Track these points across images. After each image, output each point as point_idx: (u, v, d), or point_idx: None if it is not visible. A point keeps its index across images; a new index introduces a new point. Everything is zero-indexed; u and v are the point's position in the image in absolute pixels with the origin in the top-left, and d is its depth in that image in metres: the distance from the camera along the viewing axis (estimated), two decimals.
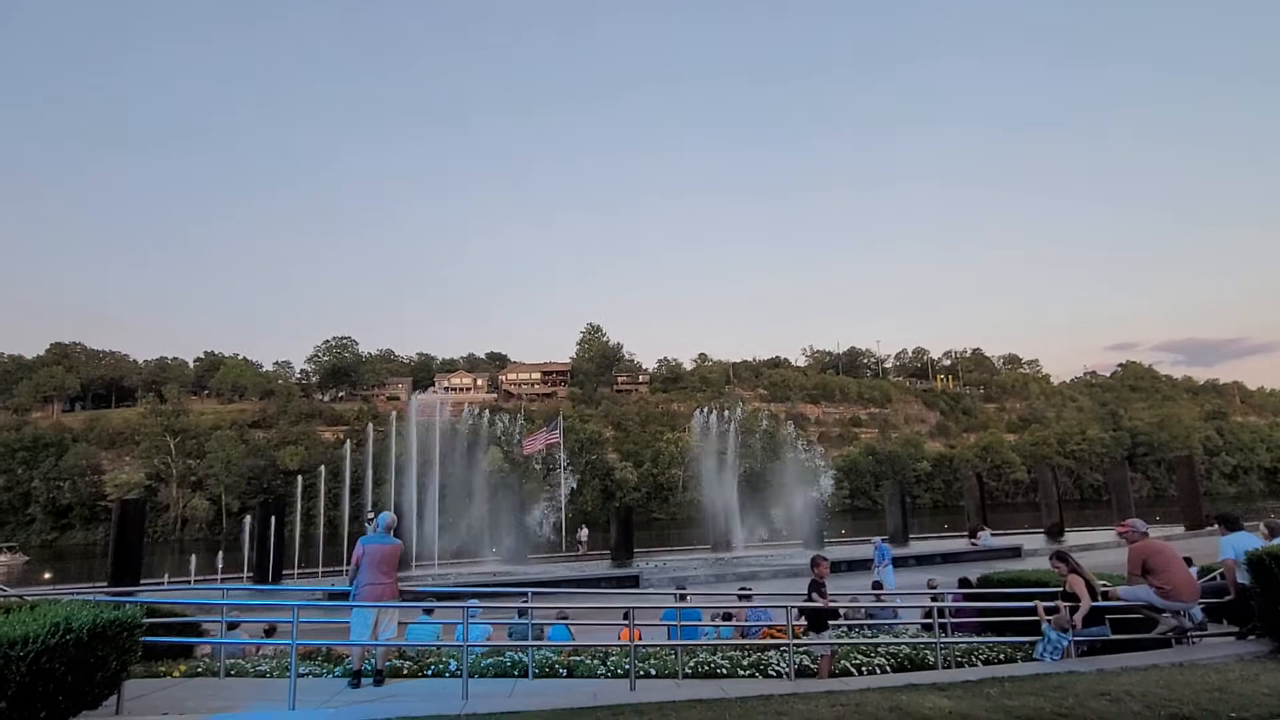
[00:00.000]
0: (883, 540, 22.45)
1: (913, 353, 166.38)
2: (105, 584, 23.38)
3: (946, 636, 9.97)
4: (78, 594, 8.77)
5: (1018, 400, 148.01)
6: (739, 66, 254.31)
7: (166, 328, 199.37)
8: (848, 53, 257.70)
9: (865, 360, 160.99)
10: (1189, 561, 10.45)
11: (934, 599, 10.43)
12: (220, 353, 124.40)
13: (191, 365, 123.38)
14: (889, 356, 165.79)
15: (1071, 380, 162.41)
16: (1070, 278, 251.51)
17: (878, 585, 15.42)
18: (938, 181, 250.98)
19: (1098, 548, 27.77)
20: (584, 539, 39.16)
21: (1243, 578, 9.13)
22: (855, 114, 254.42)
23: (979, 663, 9.55)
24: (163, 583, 29.17)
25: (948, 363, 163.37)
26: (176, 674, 9.08)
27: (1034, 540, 32.16)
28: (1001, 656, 9.73)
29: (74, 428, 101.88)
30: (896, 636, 10.89)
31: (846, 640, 10.18)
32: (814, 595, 9.06)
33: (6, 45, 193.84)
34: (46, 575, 43.16)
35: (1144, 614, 9.15)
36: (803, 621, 9.05)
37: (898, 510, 35.90)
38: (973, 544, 30.13)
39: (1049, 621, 8.75)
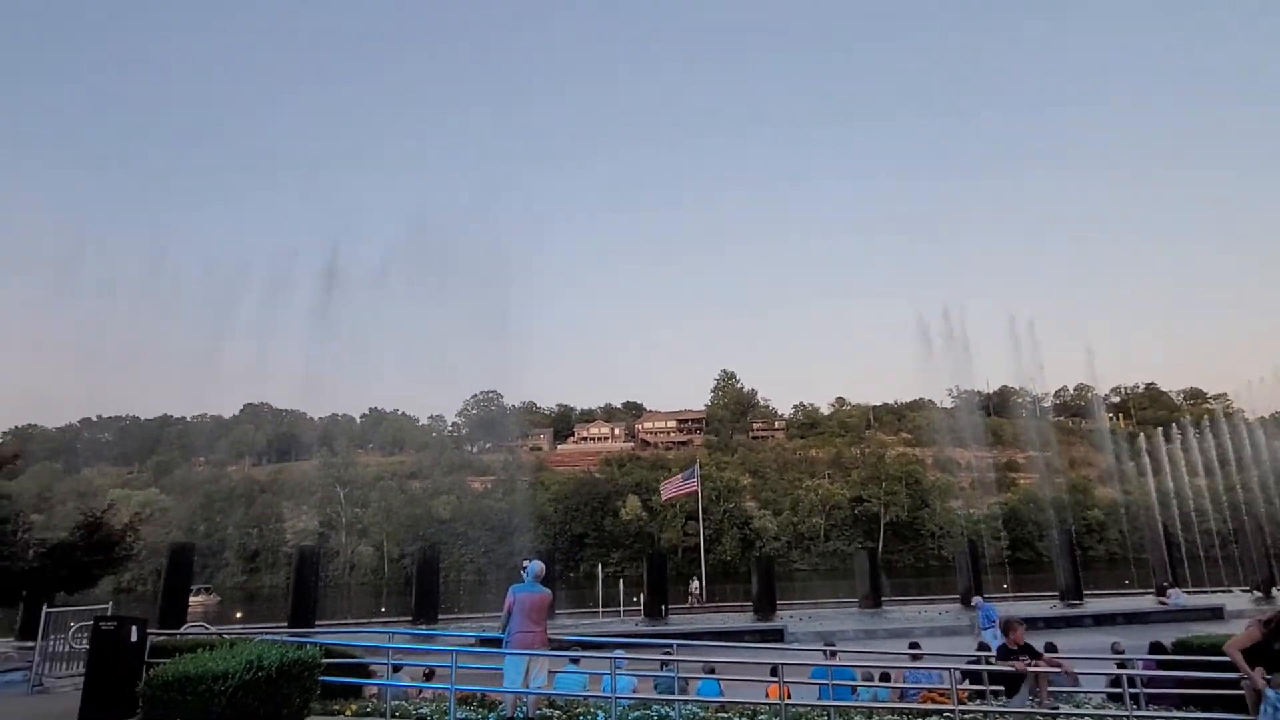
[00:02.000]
0: (986, 600, 20.54)
1: (1075, 390, 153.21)
2: (286, 624, 25.47)
3: (1140, 709, 8.95)
4: (265, 633, 9.62)
5: (1205, 440, 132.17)
6: (879, 99, 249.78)
7: (336, 387, 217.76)
8: (988, 78, 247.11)
9: (1019, 399, 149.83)
10: None
11: (1121, 665, 9.41)
12: (382, 409, 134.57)
13: (358, 420, 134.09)
14: (1047, 395, 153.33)
15: (1271, 415, 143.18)
16: (1264, 302, 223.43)
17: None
18: (1090, 205, 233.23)
19: None
20: (696, 591, 38.17)
21: None
22: (989, 153, 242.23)
23: None
24: (335, 624, 31.34)
25: (1117, 399, 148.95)
26: (348, 712, 9.68)
27: (1238, 600, 28.32)
28: None
29: (260, 480, 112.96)
30: (1078, 707, 9.84)
31: (1020, 709, 9.32)
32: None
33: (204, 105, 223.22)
34: (238, 615, 47.49)
35: None
36: (967, 685, 8.41)
37: (1067, 563, 32.68)
38: (1161, 603, 27.04)
39: (1268, 680, 7.34)
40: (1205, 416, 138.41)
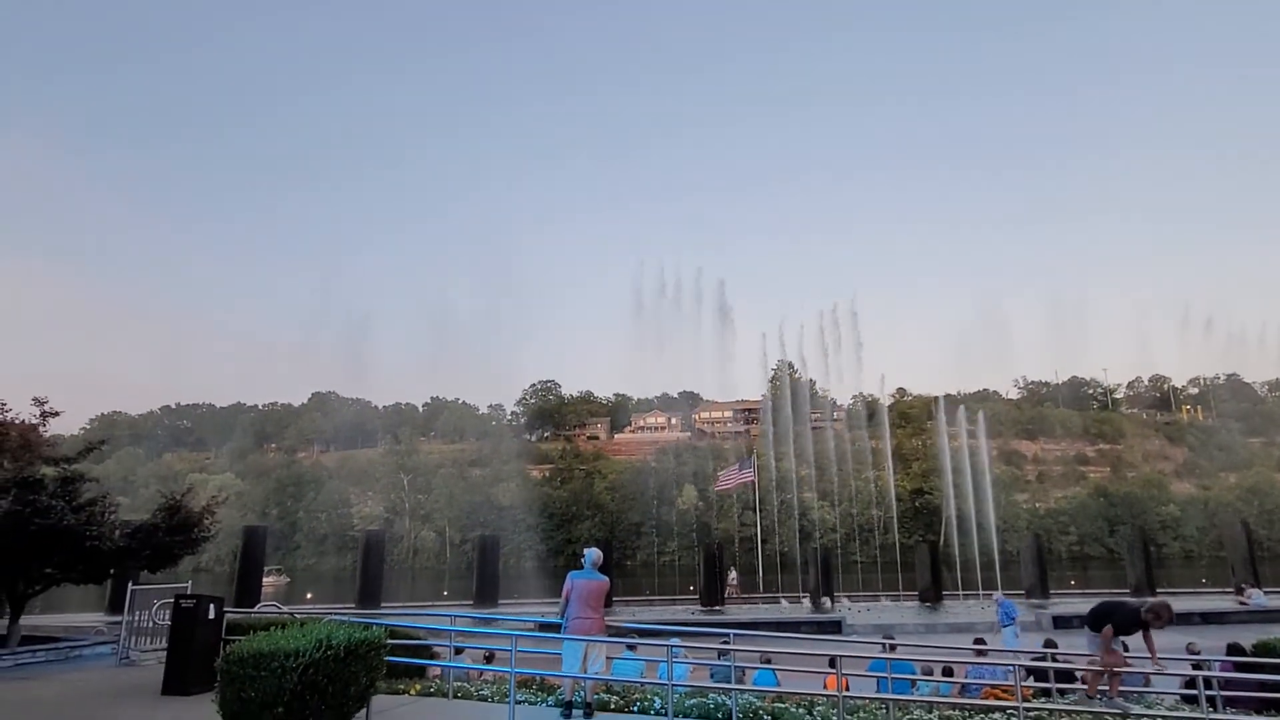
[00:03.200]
0: (1006, 597, 19.85)
1: (1149, 380, 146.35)
2: (353, 606, 26.44)
3: (1217, 713, 8.60)
4: (334, 614, 10.02)
5: None
6: (936, 84, 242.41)
7: (401, 376, 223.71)
8: (1033, 70, 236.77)
9: (1090, 390, 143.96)
10: None
11: (1196, 666, 9.04)
12: (444, 398, 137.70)
13: (421, 409, 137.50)
14: (1118, 386, 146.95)
15: None
16: None
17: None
18: (1166, 180, 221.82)
19: None
20: (734, 581, 37.44)
21: None
22: (1058, 136, 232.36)
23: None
24: (399, 606, 32.37)
25: (1194, 390, 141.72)
26: (413, 692, 10.03)
27: None
28: None
29: (329, 466, 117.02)
30: (1149, 708, 9.49)
31: (1086, 708, 9.06)
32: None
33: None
34: (308, 595, 49.43)
35: None
36: (1031, 682, 8.20)
37: (1139, 559, 31.46)
38: (1241, 603, 25.79)
39: None
40: None
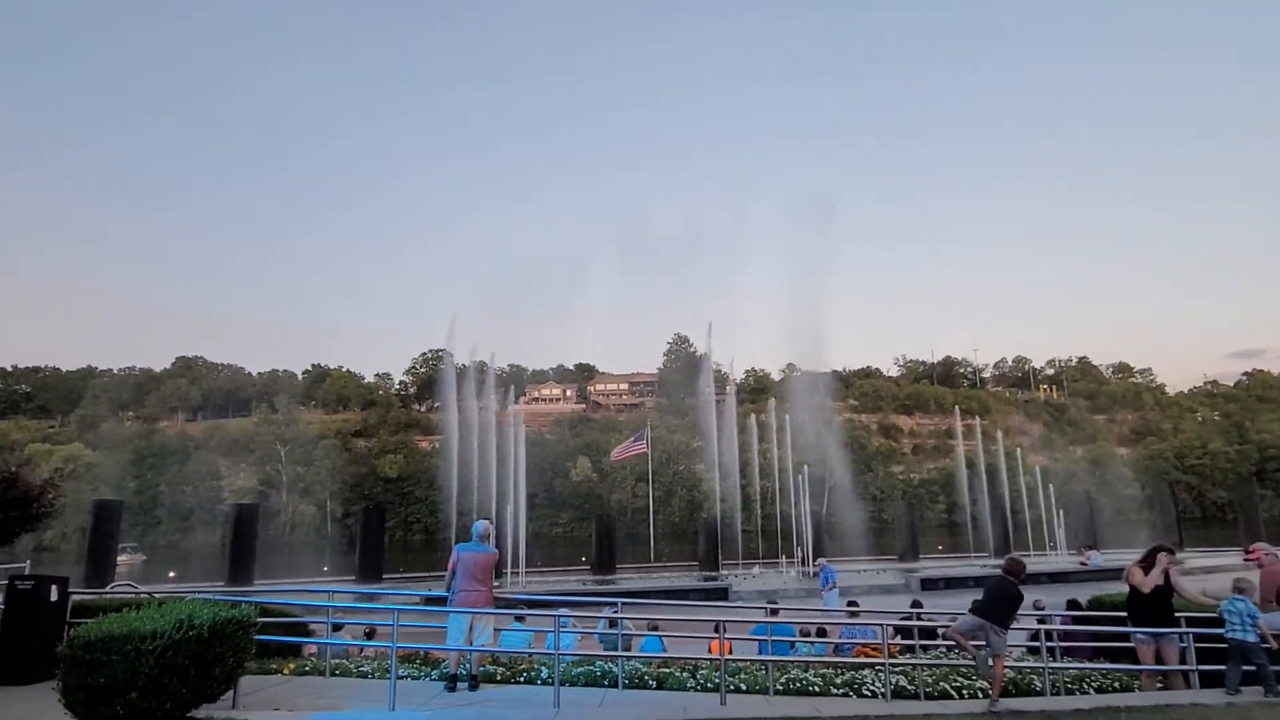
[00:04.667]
0: (828, 563, 21.43)
1: (1013, 361, 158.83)
2: (222, 584, 25.00)
3: (1055, 661, 9.44)
4: (199, 593, 9.39)
5: (1129, 412, 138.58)
6: (829, 63, 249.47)
7: (278, 341, 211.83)
8: (939, 46, 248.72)
9: (962, 369, 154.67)
10: None
11: (1041, 621, 9.89)
12: (326, 365, 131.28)
13: (300, 377, 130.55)
14: (987, 366, 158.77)
15: (1190, 390, 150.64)
16: (1186, 280, 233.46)
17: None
18: (1034, 181, 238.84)
19: (1224, 570, 25.60)
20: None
21: None
22: (954, 114, 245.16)
23: (1091, 690, 9.00)
24: (274, 583, 30.93)
25: (1051, 372, 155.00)
26: (286, 672, 9.59)
27: None
28: (1117, 685, 9.13)
29: (195, 436, 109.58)
30: None
31: (946, 661, 9.75)
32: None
33: (123, 51, 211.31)
34: (171, 574, 46.43)
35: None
36: (899, 640, 8.73)
37: (998, 526, 34.29)
38: (1082, 564, 28.53)
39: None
40: (1131, 391, 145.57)
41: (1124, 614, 9.36)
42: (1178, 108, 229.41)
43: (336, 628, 11.68)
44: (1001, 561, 9.02)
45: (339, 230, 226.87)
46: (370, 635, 12.52)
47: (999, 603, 8.08)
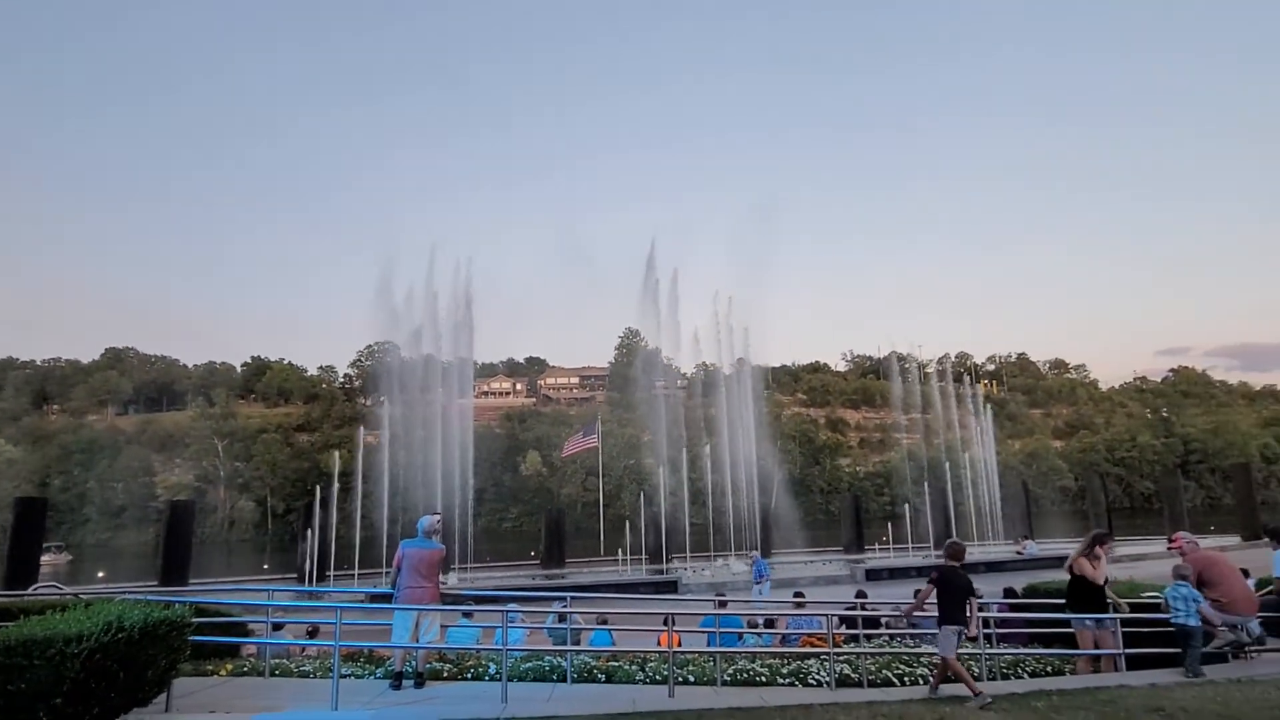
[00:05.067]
0: (759, 555, 22.01)
1: (955, 357, 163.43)
2: (156, 584, 24.09)
3: (992, 647, 9.74)
4: (129, 593, 9.03)
5: (1064, 406, 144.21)
6: (758, 57, 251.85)
7: (216, 332, 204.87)
8: (873, 45, 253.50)
9: (907, 364, 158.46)
10: (1245, 574, 10.06)
11: (978, 609, 10.20)
12: (267, 357, 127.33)
13: (239, 369, 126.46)
14: (931, 361, 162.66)
15: (1121, 386, 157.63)
16: (1118, 280, 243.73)
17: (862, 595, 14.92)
18: (979, 180, 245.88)
19: (1149, 558, 26.87)
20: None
21: None
22: (887, 108, 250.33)
23: (1025, 674, 9.32)
24: (211, 582, 29.97)
25: (991, 367, 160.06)
26: (223, 673, 9.28)
27: None
28: (1049, 669, 9.47)
29: (127, 430, 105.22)
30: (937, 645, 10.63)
31: (888, 650, 9.99)
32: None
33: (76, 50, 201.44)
34: (100, 574, 44.60)
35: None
36: (843, 630, 8.89)
37: (939, 517, 35.29)
38: (1018, 553, 29.53)
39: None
40: (1066, 386, 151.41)
41: (1058, 601, 9.72)
42: (1119, 109, 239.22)
43: (277, 627, 11.38)
44: (943, 549, 9.22)
45: (282, 221, 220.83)
46: (313, 634, 12.22)
47: (960, 599, 8.04)
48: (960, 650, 9.94)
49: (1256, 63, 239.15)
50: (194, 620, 7.05)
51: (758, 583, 20.05)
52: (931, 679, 8.09)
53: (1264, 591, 10.06)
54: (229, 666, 9.54)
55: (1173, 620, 8.34)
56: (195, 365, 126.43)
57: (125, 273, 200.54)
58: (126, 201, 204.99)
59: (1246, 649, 8.86)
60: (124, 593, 9.25)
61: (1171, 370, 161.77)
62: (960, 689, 7.58)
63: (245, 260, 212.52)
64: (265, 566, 34.73)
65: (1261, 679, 7.77)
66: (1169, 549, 12.64)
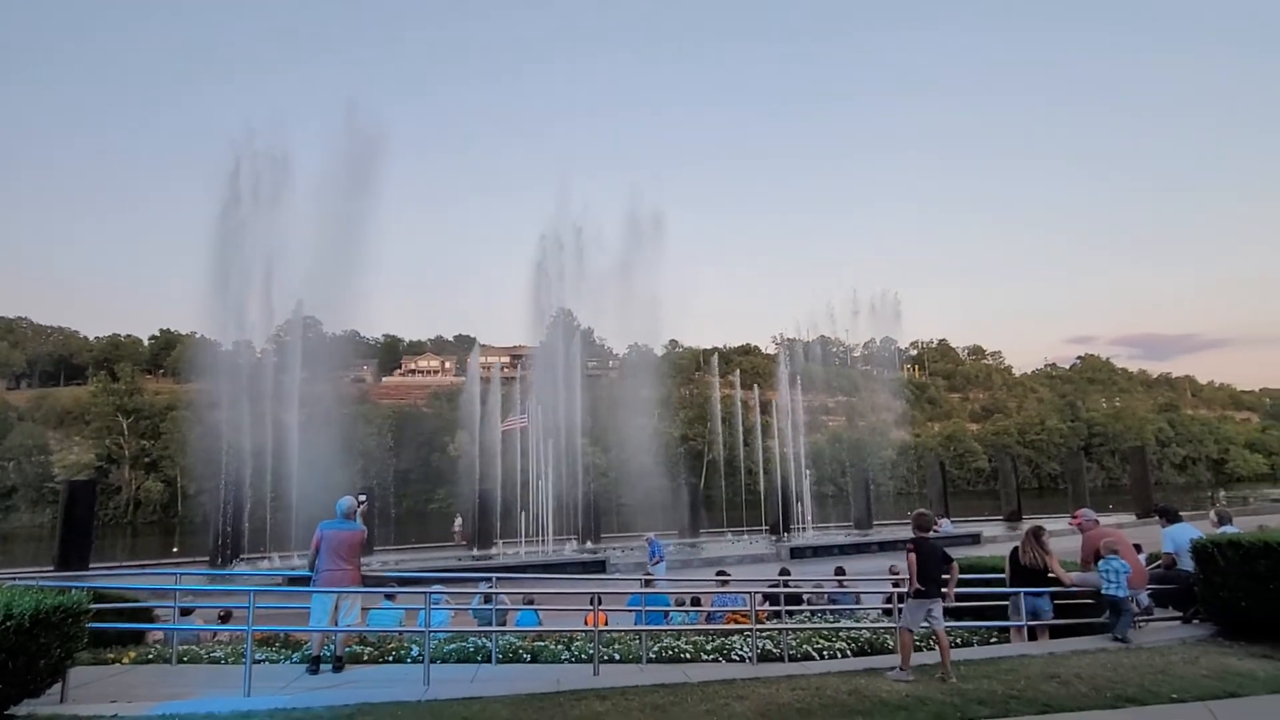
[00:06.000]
0: (656, 536, 22.02)
1: (880, 342, 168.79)
2: (52, 569, 22.70)
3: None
4: (21, 579, 8.46)
5: (981, 390, 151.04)
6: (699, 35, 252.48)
7: (119, 303, 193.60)
8: (811, 23, 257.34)
9: (834, 349, 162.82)
10: (1139, 549, 10.75)
11: (895, 585, 10.58)
12: (177, 330, 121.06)
13: (146, 343, 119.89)
14: (857, 345, 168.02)
15: (1033, 371, 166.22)
16: (1031, 271, 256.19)
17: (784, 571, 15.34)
18: (908, 168, 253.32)
19: (1053, 535, 28.37)
20: (459, 529, 37.67)
21: (1187, 565, 9.52)
22: (824, 92, 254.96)
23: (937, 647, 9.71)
24: (114, 566, 28.49)
25: (914, 353, 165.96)
26: (125, 661, 8.83)
27: (992, 527, 32.83)
28: (958, 641, 9.89)
29: (19, 406, 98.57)
30: (858, 621, 11.02)
31: (808, 625, 10.27)
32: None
33: None
34: None
35: (1095, 599, 9.41)
36: (767, 606, 9.05)
37: (862, 497, 36.46)
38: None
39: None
40: (983, 371, 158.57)
41: (971, 576, 10.20)
42: (1029, 92, 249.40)
43: (185, 612, 10.90)
44: (910, 520, 9.15)
45: (197, 190, 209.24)
46: (226, 618, 11.77)
47: (936, 570, 7.81)
48: (878, 624, 10.32)
49: (1167, 50, 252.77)
50: (93, 606, 6.69)
51: (652, 564, 19.96)
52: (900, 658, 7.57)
53: (1154, 565, 10.76)
54: (132, 654, 9.09)
55: (1104, 590, 8.91)
56: (97, 338, 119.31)
57: (18, 238, 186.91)
58: (17, 161, 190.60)
59: (1137, 619, 9.50)
60: (15, 578, 8.66)
61: (1079, 357, 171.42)
62: (884, 661, 7.83)
63: (156, 228, 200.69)
64: (175, 550, 33.25)
65: (1148, 646, 8.35)
66: (1070, 525, 13.39)
